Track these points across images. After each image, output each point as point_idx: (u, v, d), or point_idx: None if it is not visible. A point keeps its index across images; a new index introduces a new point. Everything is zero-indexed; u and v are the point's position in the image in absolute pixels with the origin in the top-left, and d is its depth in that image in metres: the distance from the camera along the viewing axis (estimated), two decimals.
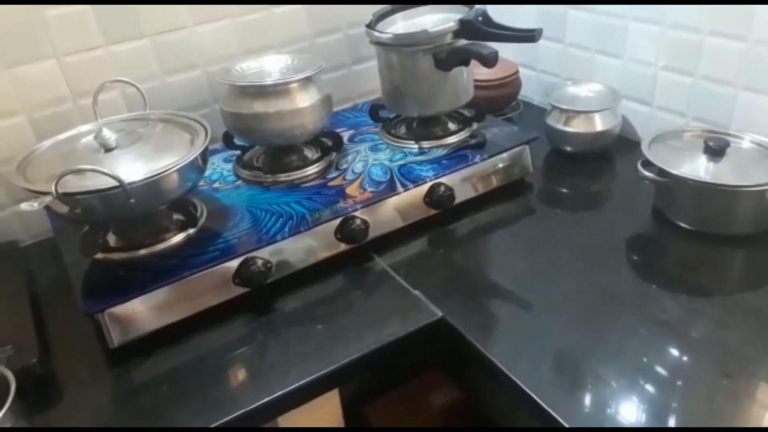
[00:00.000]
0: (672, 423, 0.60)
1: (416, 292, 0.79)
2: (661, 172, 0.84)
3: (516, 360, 0.68)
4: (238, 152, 1.00)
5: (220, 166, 0.99)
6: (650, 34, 0.99)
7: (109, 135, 0.78)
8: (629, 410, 0.62)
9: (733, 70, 0.90)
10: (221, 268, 0.77)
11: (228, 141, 1.00)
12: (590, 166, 1.04)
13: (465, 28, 0.91)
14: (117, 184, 0.70)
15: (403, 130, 1.04)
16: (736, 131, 0.88)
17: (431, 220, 0.91)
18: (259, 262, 0.78)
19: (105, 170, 0.69)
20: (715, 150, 0.83)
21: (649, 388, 0.63)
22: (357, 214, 0.85)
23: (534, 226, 0.93)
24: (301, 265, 0.82)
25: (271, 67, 0.96)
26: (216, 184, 0.95)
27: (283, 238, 0.80)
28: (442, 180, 0.91)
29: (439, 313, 0.75)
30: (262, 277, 0.78)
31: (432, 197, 0.90)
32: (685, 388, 0.64)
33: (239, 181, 0.95)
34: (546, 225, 0.93)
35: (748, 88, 0.89)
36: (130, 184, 0.71)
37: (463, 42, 0.92)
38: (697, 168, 0.83)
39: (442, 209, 0.91)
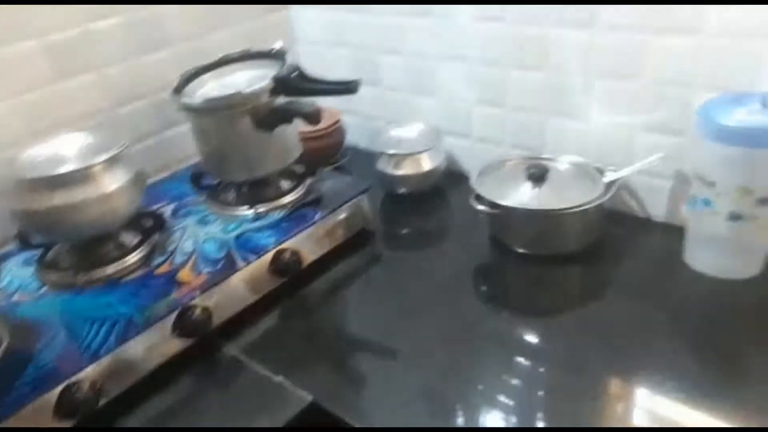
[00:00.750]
0: None
1: (279, 377, 0.71)
2: (493, 204, 0.86)
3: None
4: (39, 251, 0.85)
5: (19, 272, 0.84)
6: (459, 72, 1.03)
7: None
8: None
9: (539, 97, 0.96)
10: (37, 404, 0.63)
11: (24, 240, 0.85)
12: (425, 204, 1.05)
13: (281, 86, 0.86)
14: None
15: (232, 196, 0.96)
16: (550, 154, 0.94)
17: (280, 289, 0.85)
18: (85, 386, 0.65)
19: None
20: (537, 176, 0.88)
21: (516, 410, 0.65)
22: (195, 302, 0.76)
23: (384, 274, 0.90)
24: (138, 376, 0.71)
25: (66, 150, 0.83)
26: (16, 296, 0.79)
27: (110, 351, 0.69)
28: (286, 245, 0.85)
29: (309, 398, 0.68)
30: (91, 404, 0.66)
31: (278, 265, 0.84)
32: (549, 404, 0.66)
33: (45, 288, 0.80)
34: (395, 270, 0.91)
35: (556, 112, 0.95)
36: None
37: (281, 100, 0.87)
38: (524, 195, 0.87)
39: (291, 276, 0.85)
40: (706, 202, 0.75)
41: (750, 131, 0.69)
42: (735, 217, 0.73)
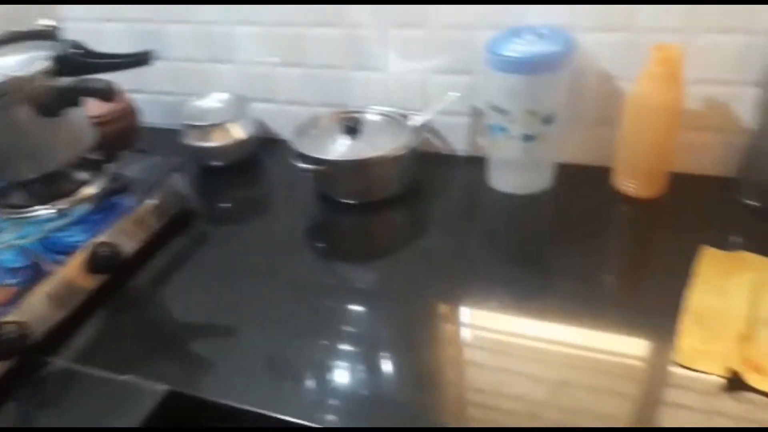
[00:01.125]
0: (385, 366, 0.66)
1: (125, 377, 0.66)
2: (316, 160, 0.87)
3: (268, 394, 0.64)
4: None
5: None
6: (256, 35, 1.01)
7: None
8: (355, 378, 0.65)
9: (338, 53, 0.98)
10: None
11: None
12: (243, 174, 1.02)
13: (63, 65, 0.77)
14: None
15: (22, 197, 0.84)
16: (359, 107, 0.97)
17: (105, 287, 0.78)
18: None
19: None
20: (351, 128, 0.90)
21: (363, 350, 0.68)
22: (5, 319, 0.66)
23: (213, 252, 0.87)
24: None
25: None
26: None
27: None
28: (100, 239, 0.77)
29: (165, 388, 0.64)
30: None
31: (95, 262, 0.76)
32: (392, 341, 0.70)
33: None
34: (224, 246, 0.88)
35: (357, 66, 0.98)
36: None
37: (65, 80, 0.78)
38: (342, 148, 0.89)
39: (112, 271, 0.78)
40: (502, 129, 0.84)
41: (529, 60, 0.78)
42: (527, 138, 0.83)
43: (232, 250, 0.87)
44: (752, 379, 0.59)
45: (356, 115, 0.92)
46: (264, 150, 1.06)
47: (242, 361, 0.68)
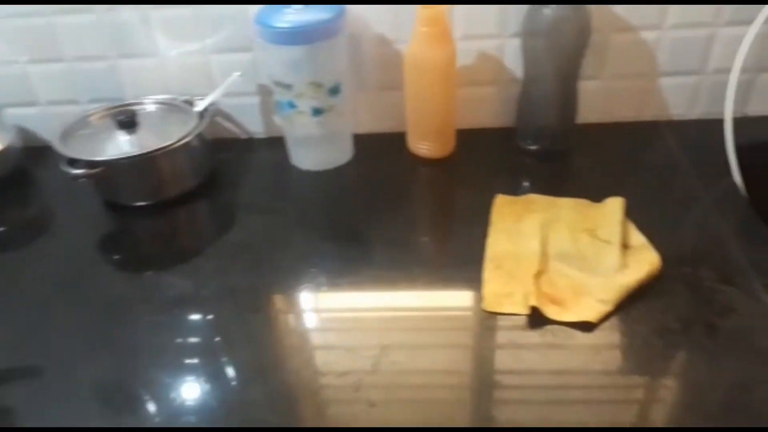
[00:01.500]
0: (231, 373, 0.61)
1: None
2: (90, 163, 0.78)
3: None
4: None
5: None
6: None
7: None
8: (197, 390, 0.60)
9: (99, 42, 0.88)
10: None
11: None
12: (12, 191, 0.89)
13: None
14: None
15: None
16: (134, 98, 0.88)
17: None
18: None
19: None
20: (127, 123, 0.82)
21: (198, 360, 0.62)
22: None
23: None
24: None
25: None
26: None
27: None
28: None
29: None
30: None
31: None
32: (230, 343, 0.65)
33: None
34: (1, 278, 0.76)
35: (123, 54, 0.89)
36: None
37: None
38: (122, 146, 0.81)
39: None
40: (291, 105, 0.81)
41: (301, 29, 0.75)
42: (317, 111, 0.81)
43: (13, 281, 0.75)
44: (550, 311, 0.63)
45: (131, 107, 0.84)
46: (31, 161, 0.93)
47: (60, 400, 0.59)
